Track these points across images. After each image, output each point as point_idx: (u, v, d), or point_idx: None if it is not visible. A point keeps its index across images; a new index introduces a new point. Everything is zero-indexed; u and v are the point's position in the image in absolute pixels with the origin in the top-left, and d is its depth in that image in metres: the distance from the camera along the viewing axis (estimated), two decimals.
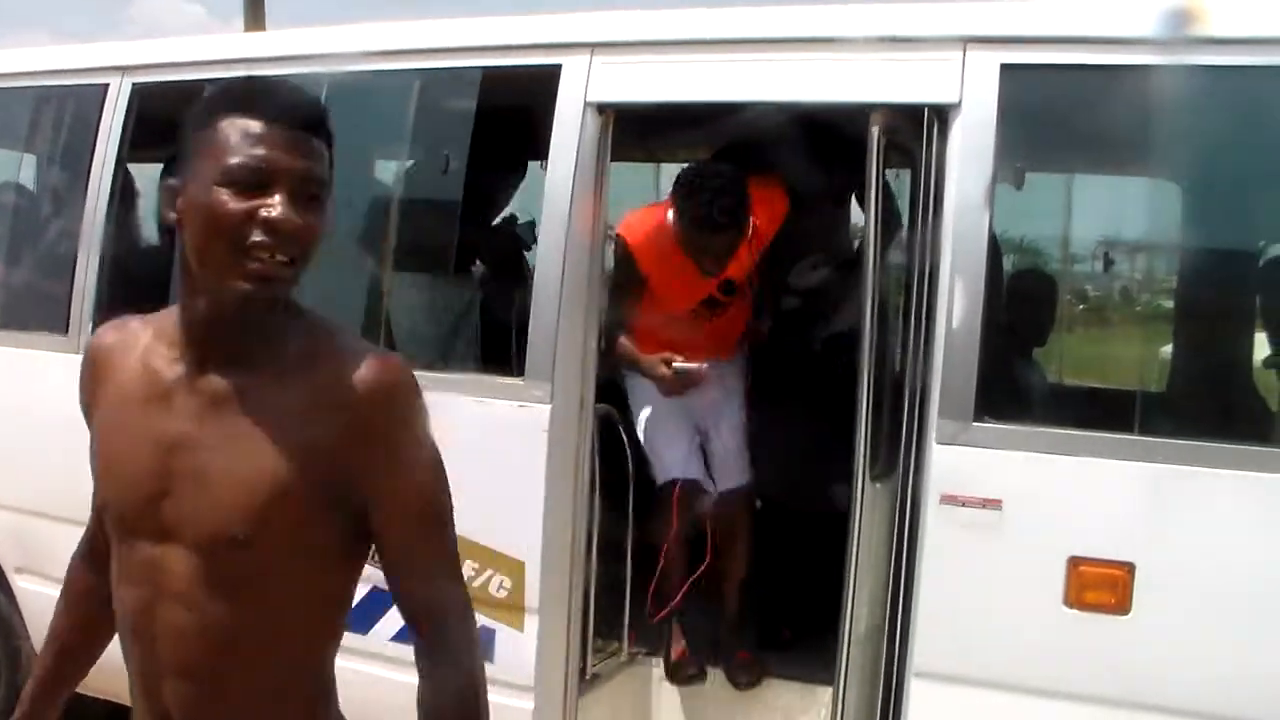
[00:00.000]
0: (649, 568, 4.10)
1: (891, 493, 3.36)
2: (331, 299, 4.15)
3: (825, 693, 3.55)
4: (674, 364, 3.93)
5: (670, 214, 3.95)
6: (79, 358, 4.17)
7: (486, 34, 3.85)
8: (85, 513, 4.25)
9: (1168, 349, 3.28)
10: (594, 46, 3.61)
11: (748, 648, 4.10)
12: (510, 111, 3.86)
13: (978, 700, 3.16)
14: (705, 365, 3.91)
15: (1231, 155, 3.08)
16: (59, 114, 4.69)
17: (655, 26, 3.65)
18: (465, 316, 4.34)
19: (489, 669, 3.53)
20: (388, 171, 4.25)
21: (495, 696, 3.55)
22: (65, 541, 4.29)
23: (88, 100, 4.49)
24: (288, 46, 4.21)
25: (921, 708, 3.23)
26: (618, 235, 3.99)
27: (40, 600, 4.49)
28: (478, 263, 4.84)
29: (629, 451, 4.10)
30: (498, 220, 5.01)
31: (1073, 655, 3.07)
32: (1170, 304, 3.25)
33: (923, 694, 3.22)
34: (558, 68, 3.64)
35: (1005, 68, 3.15)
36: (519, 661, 3.60)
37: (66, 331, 4.37)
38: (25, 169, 4.99)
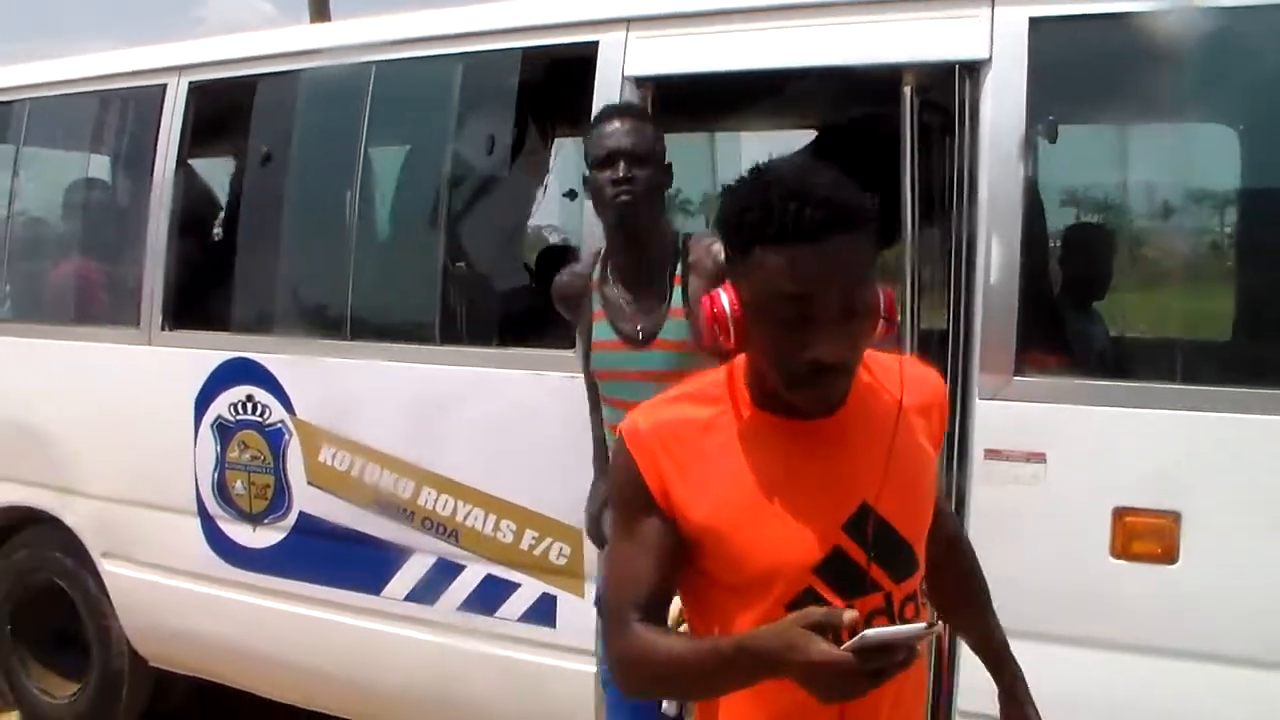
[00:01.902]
0: None
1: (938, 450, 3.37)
2: (393, 282, 4.30)
3: None
4: (863, 630, 1.54)
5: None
6: (150, 349, 4.39)
7: (526, 15, 3.91)
8: (163, 498, 4.44)
9: (1213, 298, 3.25)
10: (629, 21, 3.66)
11: None
12: (553, 89, 3.93)
13: (1028, 653, 3.14)
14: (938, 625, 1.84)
15: (1265, 102, 3.05)
16: (122, 115, 4.85)
17: None
18: (520, 291, 4.42)
19: (552, 634, 3.69)
20: (440, 156, 4.32)
21: (558, 660, 3.71)
22: (146, 526, 4.53)
23: (148, 101, 4.64)
24: (335, 38, 4.32)
25: (973, 662, 3.25)
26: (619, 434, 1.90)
27: (125, 584, 4.69)
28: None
29: None
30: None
31: (1121, 606, 3.07)
32: (1213, 252, 3.23)
33: None
34: (595, 44, 3.69)
35: (1034, 21, 3.15)
36: (581, 626, 3.67)
37: (138, 325, 4.54)
38: (93, 170, 5.16)
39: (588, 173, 3.04)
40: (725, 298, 1.78)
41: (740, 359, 1.86)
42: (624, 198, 2.94)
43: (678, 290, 2.99)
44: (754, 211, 1.69)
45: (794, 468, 1.80)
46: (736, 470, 1.80)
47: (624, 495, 1.84)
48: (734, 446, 1.81)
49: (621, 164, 2.94)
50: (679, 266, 3.01)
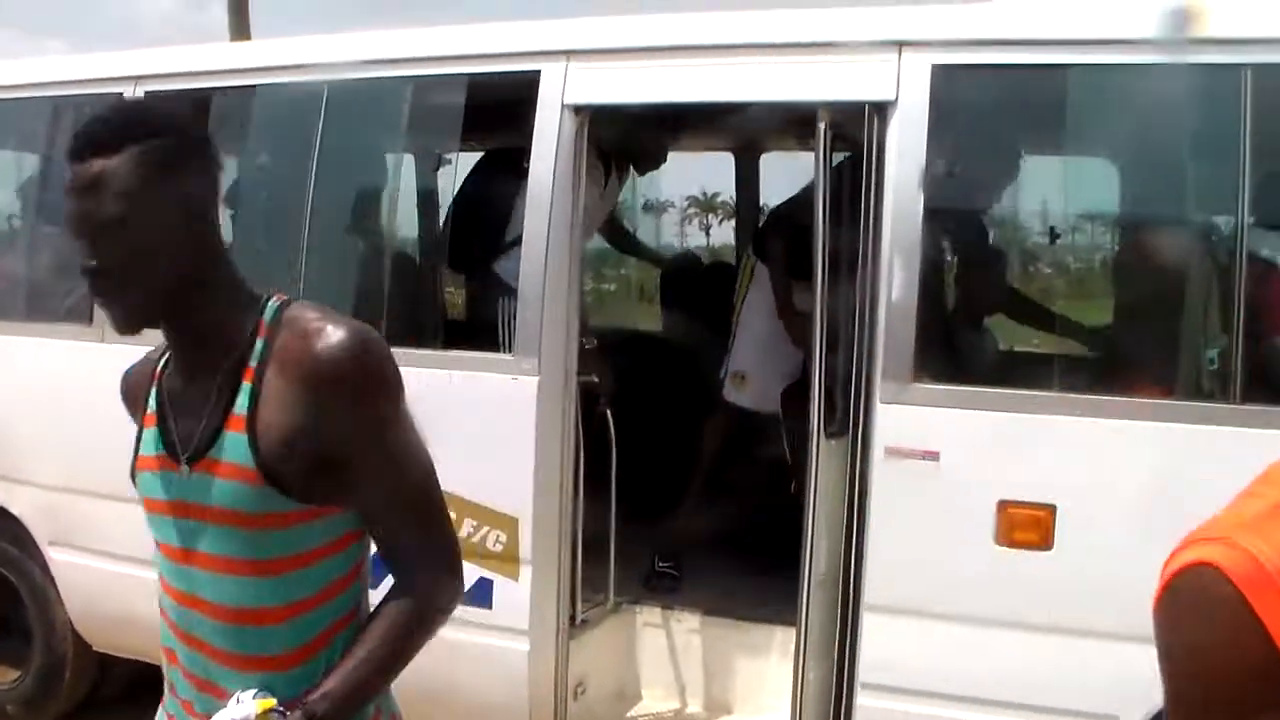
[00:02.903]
0: (632, 528, 4.52)
1: (844, 448, 3.75)
2: (341, 287, 4.57)
3: (789, 632, 3.94)
4: None
5: None
6: (102, 346, 4.59)
7: (474, 43, 4.23)
8: (113, 488, 4.63)
9: (1083, 316, 3.66)
10: (570, 53, 3.99)
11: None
12: (496, 113, 4.24)
13: (921, 629, 3.56)
14: None
15: (1131, 140, 3.49)
16: (78, 121, 5.03)
17: (626, 34, 4.03)
18: (462, 298, 4.72)
19: (488, 615, 3.99)
20: (386, 171, 4.61)
21: (494, 639, 4.02)
22: (93, 515, 4.73)
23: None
24: (285, 56, 4.59)
25: (873, 637, 3.63)
26: (1196, 570, 1.11)
27: (72, 570, 4.89)
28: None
29: (610, 420, 4.47)
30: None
31: (1003, 588, 3.47)
32: (1087, 275, 3.65)
33: (874, 625, 3.62)
34: (537, 73, 4.02)
35: (936, 68, 3.54)
36: (515, 607, 4.01)
37: (91, 322, 4.75)
38: (50, 173, 5.34)
39: None
40: None
41: None
42: (97, 297, 1.86)
43: (246, 390, 1.82)
44: None
45: None
46: None
47: (1228, 683, 1.12)
48: None
49: (84, 244, 1.77)
50: (256, 352, 1.83)
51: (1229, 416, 3.27)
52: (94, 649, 5.01)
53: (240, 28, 13.50)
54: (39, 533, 4.96)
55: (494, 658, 4.05)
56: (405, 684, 4.24)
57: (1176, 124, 3.41)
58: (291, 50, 4.63)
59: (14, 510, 5.01)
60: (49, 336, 4.90)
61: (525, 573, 4.00)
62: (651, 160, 5.45)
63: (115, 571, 4.76)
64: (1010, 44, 3.51)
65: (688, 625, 4.49)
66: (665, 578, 4.83)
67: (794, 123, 4.03)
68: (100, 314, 4.65)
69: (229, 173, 4.66)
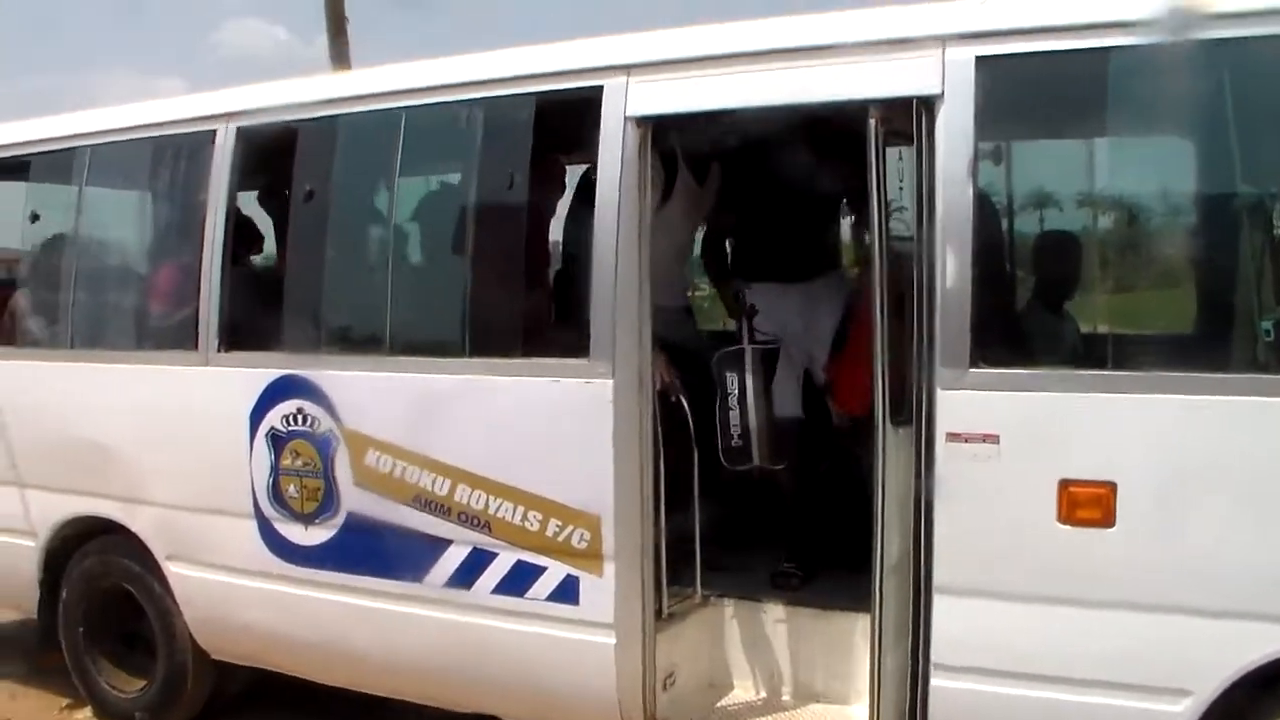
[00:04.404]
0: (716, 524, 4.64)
1: (910, 435, 3.84)
2: (426, 302, 4.78)
3: (864, 618, 4.03)
4: None
5: None
6: (208, 369, 4.86)
7: (539, 63, 4.40)
8: (223, 503, 4.88)
9: (1136, 296, 3.70)
10: (630, 68, 4.15)
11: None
12: (563, 127, 4.41)
13: (990, 609, 3.63)
14: None
15: (1178, 121, 3.54)
16: (176, 158, 5.35)
17: (681, 46, 4.17)
18: (538, 308, 4.89)
19: (575, 611, 4.14)
20: (464, 190, 4.82)
21: (582, 634, 4.18)
22: (207, 530, 5.00)
23: (200, 144, 5.14)
24: (362, 86, 4.82)
25: (944, 619, 3.70)
26: None
27: (188, 583, 5.18)
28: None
29: (690, 419, 4.60)
30: None
31: (1068, 565, 3.52)
32: (1134, 254, 3.69)
33: (944, 607, 3.69)
34: (600, 88, 4.18)
35: (980, 59, 3.62)
36: (601, 602, 4.16)
37: (196, 348, 5.04)
38: (150, 210, 5.67)
39: None
40: None
41: None
42: None
43: None
44: None
45: None
46: None
47: None
48: None
49: None
50: None
51: None
52: (212, 657, 5.28)
53: (340, 56, 13.92)
54: (157, 549, 5.26)
55: (583, 652, 4.21)
56: (498, 681, 4.43)
57: (1223, 102, 3.44)
58: (368, 80, 4.85)
59: (134, 528, 5.31)
60: (158, 363, 5.19)
61: (609, 568, 4.15)
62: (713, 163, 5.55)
63: (228, 583, 5.04)
64: (1051, 31, 3.57)
65: (774, 616, 4.61)
66: (791, 577, 4.90)
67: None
68: (204, 339, 4.96)
69: (320, 197, 4.93)
